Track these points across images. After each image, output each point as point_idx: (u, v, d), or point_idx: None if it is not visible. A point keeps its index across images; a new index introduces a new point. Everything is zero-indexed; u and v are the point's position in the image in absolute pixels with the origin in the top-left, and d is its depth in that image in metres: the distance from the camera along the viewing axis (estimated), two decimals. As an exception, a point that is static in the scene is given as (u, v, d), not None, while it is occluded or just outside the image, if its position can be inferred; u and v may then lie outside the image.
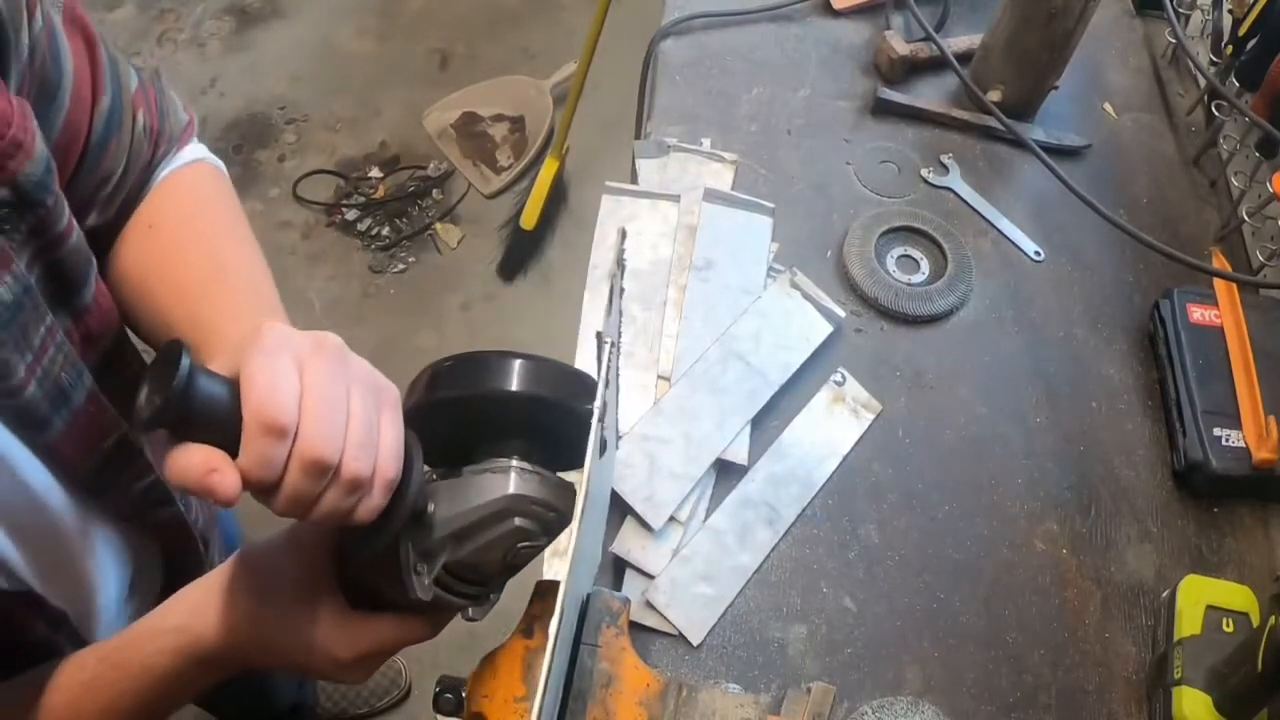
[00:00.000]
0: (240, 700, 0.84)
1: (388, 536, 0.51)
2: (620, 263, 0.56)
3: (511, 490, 0.53)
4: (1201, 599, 0.79)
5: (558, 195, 2.35)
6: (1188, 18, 1.25)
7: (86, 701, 0.57)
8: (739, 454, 0.89)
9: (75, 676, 0.58)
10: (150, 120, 0.67)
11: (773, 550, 0.85)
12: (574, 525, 0.50)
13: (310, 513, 0.48)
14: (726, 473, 0.89)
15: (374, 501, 0.49)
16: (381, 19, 2.80)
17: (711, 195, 1.03)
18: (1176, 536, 0.90)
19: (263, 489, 0.47)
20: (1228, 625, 0.78)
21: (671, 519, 0.84)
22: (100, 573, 0.69)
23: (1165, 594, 0.84)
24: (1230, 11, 1.15)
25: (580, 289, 0.98)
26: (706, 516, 0.86)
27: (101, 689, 0.57)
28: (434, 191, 2.49)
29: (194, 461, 0.45)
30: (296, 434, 0.46)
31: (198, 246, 0.66)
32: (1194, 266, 0.93)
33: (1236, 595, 0.80)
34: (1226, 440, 0.90)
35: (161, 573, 0.78)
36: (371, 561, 0.54)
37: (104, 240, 0.66)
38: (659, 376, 0.92)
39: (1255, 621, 0.78)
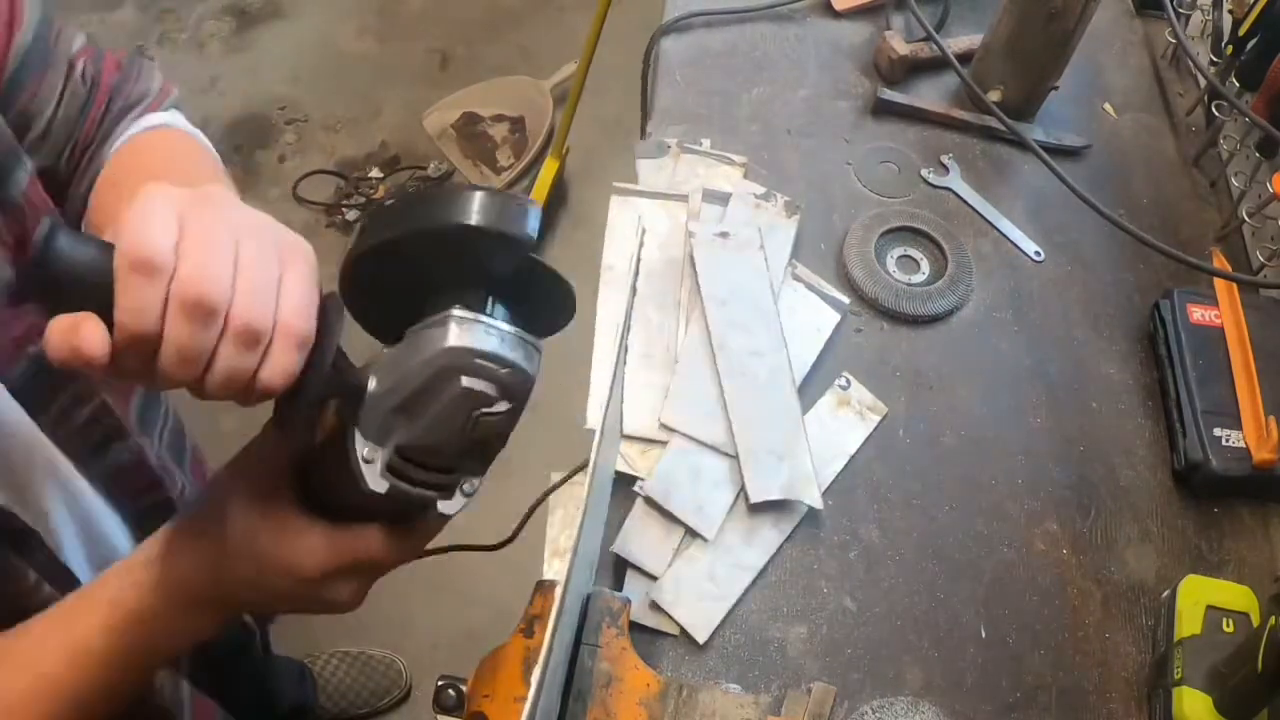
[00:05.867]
0: (243, 700, 0.84)
1: (304, 409, 0.45)
2: (635, 266, 0.56)
3: (450, 343, 0.44)
4: (1201, 599, 0.79)
5: (558, 195, 2.35)
6: (1188, 18, 1.25)
7: (54, 637, 0.53)
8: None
9: (46, 614, 0.54)
10: (95, 71, 0.69)
11: (776, 550, 0.86)
12: (577, 521, 0.50)
13: (207, 375, 0.43)
14: (728, 473, 0.89)
15: (280, 361, 0.43)
16: (381, 19, 2.80)
17: (711, 196, 1.03)
18: (1176, 536, 0.90)
19: (142, 343, 0.41)
20: (1228, 625, 0.78)
21: (674, 519, 0.84)
22: (58, 517, 0.65)
23: (1165, 594, 0.84)
24: (1230, 11, 1.15)
25: (581, 288, 0.97)
26: (707, 516, 0.86)
27: (70, 624, 0.53)
28: (434, 191, 2.49)
29: (59, 325, 0.41)
30: (174, 276, 0.41)
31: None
32: (1194, 266, 0.93)
33: (1236, 595, 0.80)
34: (1226, 440, 0.90)
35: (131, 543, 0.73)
36: (317, 455, 0.49)
37: (57, 191, 0.67)
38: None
39: (1255, 621, 0.78)
